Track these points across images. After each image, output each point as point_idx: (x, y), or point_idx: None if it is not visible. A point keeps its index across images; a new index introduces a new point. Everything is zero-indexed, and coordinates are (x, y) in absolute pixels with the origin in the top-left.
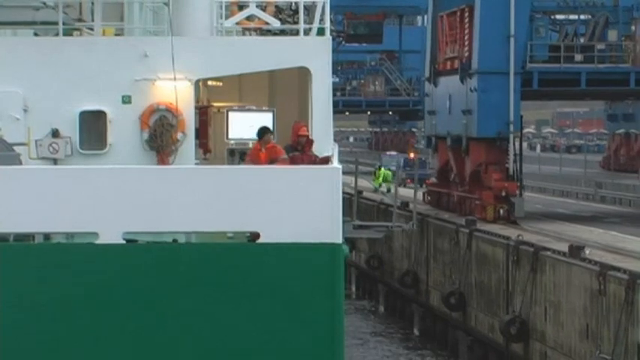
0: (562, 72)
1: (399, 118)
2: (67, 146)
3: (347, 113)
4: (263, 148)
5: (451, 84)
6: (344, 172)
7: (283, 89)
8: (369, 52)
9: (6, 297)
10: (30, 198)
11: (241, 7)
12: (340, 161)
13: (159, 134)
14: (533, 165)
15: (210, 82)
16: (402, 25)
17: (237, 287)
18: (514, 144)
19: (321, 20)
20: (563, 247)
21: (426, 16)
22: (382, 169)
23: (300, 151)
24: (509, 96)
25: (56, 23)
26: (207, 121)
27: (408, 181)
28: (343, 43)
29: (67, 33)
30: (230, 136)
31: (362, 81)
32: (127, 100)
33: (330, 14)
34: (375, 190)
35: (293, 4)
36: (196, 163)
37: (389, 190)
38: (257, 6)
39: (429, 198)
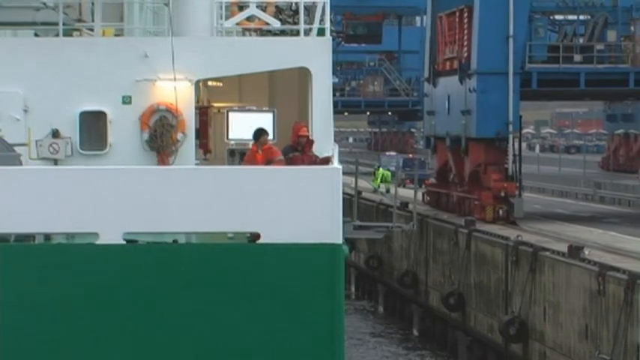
0: (561, 72)
1: (398, 119)
2: (68, 147)
3: (346, 114)
4: (259, 149)
5: (450, 84)
6: (343, 173)
7: (283, 90)
8: (368, 52)
9: (6, 297)
10: (30, 198)
11: (241, 8)
12: (340, 162)
13: (159, 135)
14: (532, 165)
15: (210, 83)
16: (401, 26)
17: (238, 288)
18: (513, 144)
19: (322, 20)
20: (563, 248)
21: (425, 17)
22: (380, 169)
23: (300, 151)
24: (508, 96)
25: (56, 24)
26: (207, 121)
27: (407, 181)
28: (342, 43)
29: (67, 33)
30: (230, 137)
31: (361, 81)
32: (127, 100)
33: (330, 14)
34: (375, 191)
35: (293, 4)
36: (196, 164)
37: (388, 191)
38: (257, 6)
39: (428, 198)
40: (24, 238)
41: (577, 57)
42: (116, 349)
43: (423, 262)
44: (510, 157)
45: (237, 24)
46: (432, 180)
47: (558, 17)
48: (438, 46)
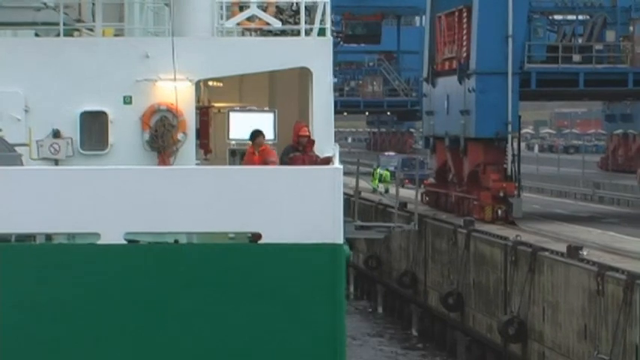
0: (560, 72)
1: (397, 119)
2: (68, 147)
3: (345, 114)
4: (256, 150)
5: (449, 84)
6: (343, 173)
7: (283, 90)
8: (367, 52)
9: (7, 298)
10: (31, 198)
11: (242, 8)
12: (340, 162)
13: (160, 135)
14: (531, 165)
15: (210, 83)
16: (400, 26)
17: (239, 288)
18: (512, 144)
19: (322, 21)
20: (562, 248)
21: (424, 17)
22: (378, 169)
23: (301, 151)
24: (507, 96)
25: (57, 24)
26: (207, 121)
27: (406, 181)
28: (341, 43)
29: (68, 33)
30: (231, 137)
31: (360, 81)
32: (128, 100)
33: (330, 15)
34: (374, 191)
35: (294, 4)
36: (197, 164)
37: (387, 191)
38: (258, 6)
39: (427, 198)
40: (25, 239)
41: (576, 57)
42: (117, 349)
43: (422, 262)
44: (509, 157)
45: (238, 24)
46: (431, 180)
47: (557, 17)
48: (437, 46)
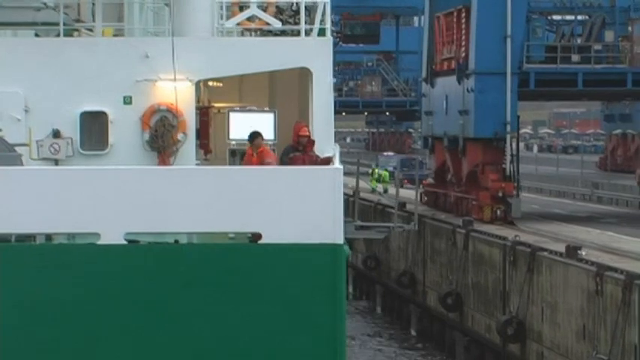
0: (559, 72)
1: (396, 119)
2: (68, 147)
3: (344, 114)
4: (255, 152)
5: (448, 84)
6: (343, 173)
7: (283, 90)
8: (365, 52)
9: (7, 297)
10: (31, 199)
11: (242, 8)
12: (340, 162)
13: (160, 135)
14: (530, 165)
15: (210, 83)
16: (398, 26)
17: (239, 288)
18: (511, 144)
19: (322, 21)
20: (560, 248)
21: (422, 17)
22: (376, 169)
23: (301, 151)
24: (505, 96)
25: (57, 24)
26: (207, 121)
27: (405, 181)
28: (340, 43)
29: (68, 34)
30: (231, 137)
31: (359, 81)
32: (128, 100)
33: (331, 15)
34: (373, 191)
35: (294, 4)
36: (197, 164)
37: (386, 191)
38: (258, 6)
39: (426, 198)
40: (25, 239)
41: (575, 57)
42: (118, 349)
43: (421, 262)
44: (508, 157)
45: (238, 24)
46: (430, 180)
47: (556, 17)
48: (436, 46)
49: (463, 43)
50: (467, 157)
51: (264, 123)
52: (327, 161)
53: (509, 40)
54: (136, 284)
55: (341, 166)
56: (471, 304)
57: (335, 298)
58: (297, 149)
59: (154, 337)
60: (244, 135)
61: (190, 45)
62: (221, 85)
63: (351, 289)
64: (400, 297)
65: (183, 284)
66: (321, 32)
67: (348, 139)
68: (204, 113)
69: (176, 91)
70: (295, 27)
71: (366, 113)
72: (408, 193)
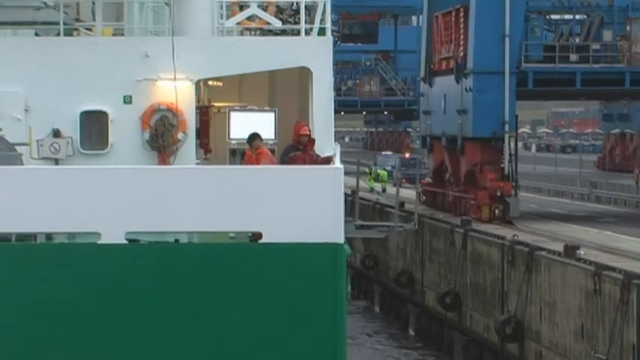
0: (557, 72)
1: (395, 118)
2: (69, 146)
3: (342, 113)
4: (254, 154)
5: (446, 84)
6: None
7: (283, 89)
8: (364, 52)
9: (7, 297)
10: (31, 198)
11: (242, 7)
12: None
13: (160, 134)
14: (528, 165)
15: (210, 82)
16: (397, 25)
17: (239, 287)
18: (509, 144)
19: (322, 20)
20: (559, 247)
21: (421, 16)
22: (372, 168)
23: (301, 150)
24: (504, 96)
25: (57, 23)
26: (207, 121)
27: (404, 180)
28: (339, 42)
29: (68, 33)
30: (232, 136)
31: (357, 81)
32: (128, 100)
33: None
34: (371, 190)
35: (294, 4)
36: (197, 163)
37: (384, 190)
38: (258, 6)
39: (424, 198)
40: (25, 238)
41: (573, 57)
42: (118, 349)
43: (419, 261)
44: (506, 157)
45: (238, 23)
46: (428, 179)
47: (554, 17)
48: (434, 45)
49: (461, 43)
50: (465, 156)
51: (264, 122)
52: (328, 161)
53: (507, 40)
54: (137, 284)
55: (341, 166)
56: (470, 303)
57: (335, 298)
58: (297, 148)
59: (155, 337)
60: (245, 134)
61: (190, 44)
62: (221, 84)
63: (349, 289)
64: (398, 296)
65: (184, 284)
66: (321, 32)
67: (347, 139)
68: (204, 113)
69: (176, 91)
70: (295, 26)
71: (364, 113)
72: (407, 193)
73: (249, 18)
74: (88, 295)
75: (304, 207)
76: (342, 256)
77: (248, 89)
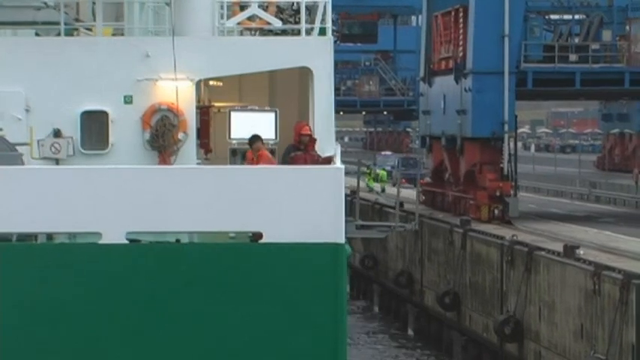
0: (556, 72)
1: (394, 118)
2: (69, 146)
3: (341, 113)
4: (255, 156)
5: (446, 84)
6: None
7: (283, 89)
8: (363, 52)
9: (8, 297)
10: (32, 198)
11: (243, 7)
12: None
13: (160, 134)
14: (527, 165)
15: (210, 82)
16: (396, 25)
17: (240, 287)
18: (508, 144)
19: (323, 20)
20: (558, 247)
21: (420, 16)
22: (372, 168)
23: (302, 150)
24: (503, 96)
25: (57, 23)
26: (208, 121)
27: (403, 180)
28: (338, 42)
29: (68, 33)
30: (232, 136)
31: (356, 81)
32: (128, 100)
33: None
34: (370, 190)
35: (294, 4)
36: (198, 163)
37: (383, 190)
38: (259, 6)
39: (424, 198)
40: (26, 238)
41: (572, 57)
42: (119, 349)
43: (419, 261)
44: (506, 157)
45: (239, 23)
46: (427, 179)
47: (554, 17)
48: (434, 45)
49: (461, 43)
50: (464, 156)
51: (265, 122)
52: (328, 161)
53: (506, 40)
54: (138, 284)
55: (342, 166)
56: (469, 303)
57: (336, 298)
58: (298, 148)
59: (155, 337)
60: (245, 134)
61: (191, 44)
62: (221, 84)
63: (348, 289)
64: (398, 296)
65: (185, 284)
66: (322, 31)
67: (346, 139)
68: (204, 112)
69: (177, 91)
70: (296, 26)
71: (363, 113)
72: (406, 193)
73: (250, 18)
74: (88, 295)
75: (305, 207)
76: (342, 256)
77: (248, 89)
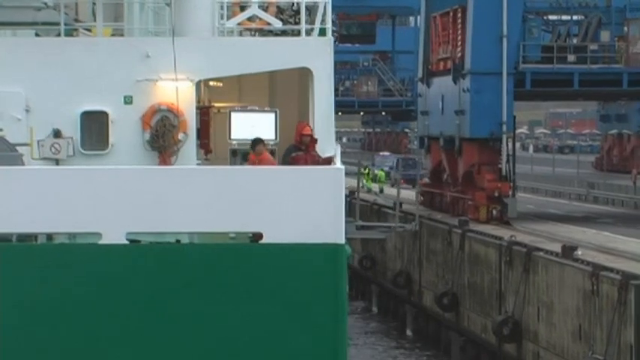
0: (555, 72)
1: (392, 119)
2: (69, 146)
3: (340, 114)
4: (257, 159)
5: (444, 84)
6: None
7: (283, 90)
8: (361, 52)
9: (8, 297)
10: (32, 198)
11: (243, 8)
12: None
13: (160, 134)
14: (525, 165)
15: (210, 83)
16: (394, 26)
17: (240, 288)
18: (507, 144)
19: (323, 20)
20: (556, 248)
21: (418, 17)
22: (370, 169)
23: (303, 150)
24: (501, 96)
25: (57, 24)
26: (208, 121)
27: (402, 181)
28: (336, 43)
29: (68, 33)
30: (233, 137)
31: (355, 81)
32: (128, 100)
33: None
34: (369, 191)
35: (294, 4)
36: (198, 164)
37: (382, 191)
38: (259, 6)
39: (422, 198)
40: (26, 238)
41: (571, 57)
42: (119, 349)
43: (417, 262)
44: (504, 158)
45: (239, 24)
46: (426, 180)
47: (552, 17)
48: (432, 46)
49: (459, 43)
50: (463, 157)
51: (265, 123)
52: (329, 161)
53: (505, 40)
54: (138, 284)
55: (342, 166)
56: (467, 304)
57: (336, 298)
58: (299, 149)
59: (155, 337)
60: (245, 135)
61: (191, 45)
62: (221, 84)
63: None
64: (396, 297)
65: (185, 284)
66: (322, 32)
67: (345, 139)
68: (204, 113)
69: (177, 91)
70: (296, 27)
71: (362, 113)
72: (404, 193)
73: (250, 18)
74: (88, 295)
75: (305, 207)
76: (342, 256)
77: (248, 90)
